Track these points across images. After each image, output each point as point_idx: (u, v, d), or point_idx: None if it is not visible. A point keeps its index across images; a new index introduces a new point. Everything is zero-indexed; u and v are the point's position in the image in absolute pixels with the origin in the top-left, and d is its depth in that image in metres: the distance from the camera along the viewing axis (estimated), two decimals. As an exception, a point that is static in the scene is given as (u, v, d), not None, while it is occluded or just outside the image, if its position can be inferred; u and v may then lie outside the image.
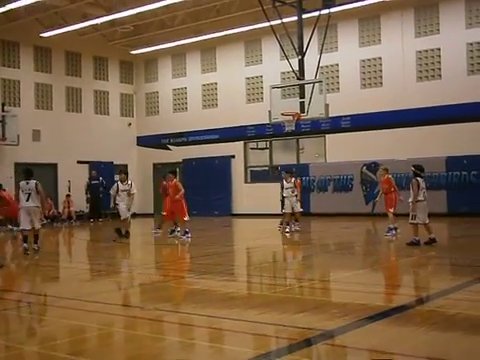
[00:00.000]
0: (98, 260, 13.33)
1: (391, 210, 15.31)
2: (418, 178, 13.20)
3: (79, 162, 27.62)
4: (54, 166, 27.06)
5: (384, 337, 5.78)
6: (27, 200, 13.35)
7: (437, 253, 12.47)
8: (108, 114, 29.79)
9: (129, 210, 17.04)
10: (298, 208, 17.44)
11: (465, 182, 21.16)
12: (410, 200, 13.08)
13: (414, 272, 10.57)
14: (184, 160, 28.77)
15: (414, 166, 13.62)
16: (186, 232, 16.12)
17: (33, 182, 13.48)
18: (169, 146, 29.67)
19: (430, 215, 13.40)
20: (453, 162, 21.41)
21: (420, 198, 12.93)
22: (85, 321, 6.90)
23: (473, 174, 21.21)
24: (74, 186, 26.78)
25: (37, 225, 13.59)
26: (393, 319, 6.39)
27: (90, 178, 26.66)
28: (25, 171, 13.90)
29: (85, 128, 28.13)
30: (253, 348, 5.66)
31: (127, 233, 16.77)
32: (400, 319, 6.44)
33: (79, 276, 10.86)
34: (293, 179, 17.50)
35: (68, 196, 26.12)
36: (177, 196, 16.40)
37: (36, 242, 13.60)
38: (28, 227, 13.41)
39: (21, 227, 13.72)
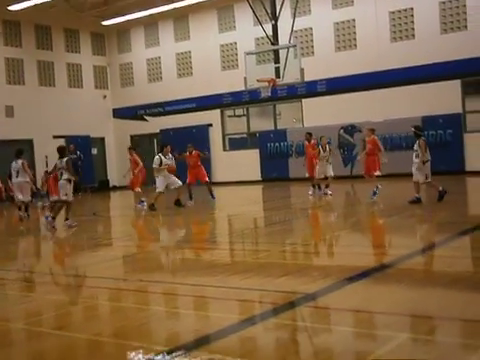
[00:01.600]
0: (80, 234, 13.31)
1: (376, 172, 15.36)
2: (423, 138, 13.57)
3: (55, 137, 27.33)
4: (29, 142, 26.76)
5: (365, 297, 5.89)
6: (16, 177, 15.56)
7: (416, 212, 12.64)
8: (82, 87, 29.44)
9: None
10: (330, 173, 17.23)
11: (441, 141, 21.35)
12: (417, 160, 13.28)
13: (394, 232, 10.72)
14: (161, 130, 28.61)
15: (415, 127, 14.08)
16: (141, 201, 17.12)
17: (20, 161, 15.52)
18: (146, 117, 29.44)
19: (409, 174, 13.68)
20: (429, 121, 21.54)
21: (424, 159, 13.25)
22: (68, 295, 6.93)
23: (449, 133, 21.40)
24: (52, 161, 26.52)
25: (27, 198, 15.83)
26: (373, 279, 6.50)
27: (68, 152, 26.41)
28: (15, 151, 15.87)
29: (59, 102, 27.78)
30: (237, 314, 5.74)
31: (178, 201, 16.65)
32: (380, 278, 6.55)
33: (60, 251, 10.85)
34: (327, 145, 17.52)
35: (46, 172, 25.89)
36: (135, 170, 17.56)
37: (26, 211, 15.96)
38: (20, 197, 15.62)
39: (15, 199, 15.99)
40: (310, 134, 18.28)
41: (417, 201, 13.11)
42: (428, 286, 6.10)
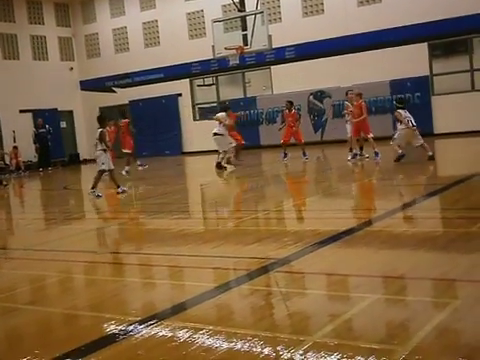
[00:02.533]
0: (50, 208, 13.22)
1: (370, 135, 15.43)
2: (400, 110, 14.02)
3: (22, 111, 26.91)
4: (-4, 117, 26.33)
5: (335, 260, 5.97)
6: None
7: (384, 175, 12.78)
8: (47, 59, 28.92)
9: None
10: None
11: (410, 104, 21.46)
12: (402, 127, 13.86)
13: (363, 195, 10.84)
14: (130, 101, 28.33)
15: (395, 100, 15.10)
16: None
17: None
18: (114, 88, 29.10)
19: (378, 139, 13.87)
20: (397, 85, 21.66)
21: (404, 127, 13.80)
22: (41, 270, 6.90)
23: (417, 96, 21.54)
24: (19, 136, 26.18)
25: None
26: (343, 242, 6.58)
27: (36, 127, 26.04)
28: None
29: (25, 76, 27.26)
30: (211, 281, 5.77)
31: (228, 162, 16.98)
32: (350, 241, 6.64)
33: (31, 226, 10.77)
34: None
35: (15, 148, 25.56)
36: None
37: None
38: None
39: None
40: (291, 103, 17.83)
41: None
42: (397, 247, 6.20)
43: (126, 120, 18.90)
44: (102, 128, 13.42)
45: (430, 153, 13.67)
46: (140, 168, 19.18)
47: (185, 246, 7.27)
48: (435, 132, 21.23)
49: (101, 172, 13.36)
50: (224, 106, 18.07)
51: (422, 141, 13.89)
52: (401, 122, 13.93)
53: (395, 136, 14.02)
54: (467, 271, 5.15)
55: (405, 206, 8.65)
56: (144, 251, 7.37)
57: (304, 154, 17.17)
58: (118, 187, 13.34)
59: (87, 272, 6.78)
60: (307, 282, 5.51)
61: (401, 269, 5.43)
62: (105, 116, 14.56)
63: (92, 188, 13.10)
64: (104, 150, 13.28)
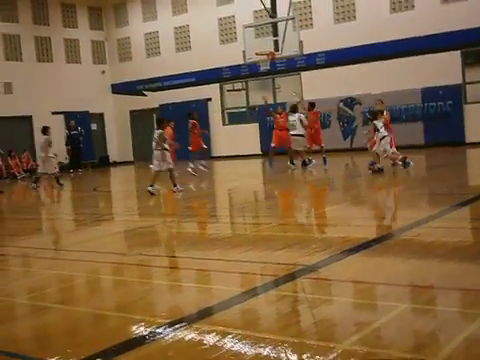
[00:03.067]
0: (80, 210, 13.37)
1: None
2: (375, 121, 14.24)
3: (54, 113, 27.27)
4: (29, 118, 26.72)
5: (364, 268, 5.94)
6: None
7: (415, 184, 12.68)
8: (80, 62, 29.29)
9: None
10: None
11: (441, 113, 21.29)
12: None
13: (393, 203, 10.76)
14: (161, 105, 28.54)
15: (369, 113, 15.71)
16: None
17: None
18: (144, 92, 29.35)
19: (408, 147, 13.82)
20: (429, 93, 21.48)
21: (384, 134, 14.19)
22: (71, 270, 6.99)
23: (449, 104, 21.33)
24: (51, 137, 26.47)
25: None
26: (372, 250, 6.54)
27: (69, 128, 26.35)
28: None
29: (58, 78, 27.66)
30: (238, 286, 5.79)
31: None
32: (379, 250, 6.59)
33: (62, 226, 10.91)
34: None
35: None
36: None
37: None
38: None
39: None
40: (313, 104, 17.89)
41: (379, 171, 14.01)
42: (427, 257, 6.15)
43: (193, 121, 19.28)
44: (161, 129, 13.79)
45: (380, 165, 14.06)
46: (202, 168, 19.36)
47: (213, 250, 7.30)
48: (467, 141, 20.99)
49: (165, 171, 13.80)
50: (295, 106, 17.55)
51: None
52: (378, 131, 14.16)
53: (381, 148, 14.06)
54: (498, 282, 5.09)
55: (435, 215, 8.56)
56: (172, 254, 7.41)
57: (325, 162, 17.08)
58: (175, 186, 13.66)
59: (116, 273, 6.84)
60: (335, 289, 5.49)
61: (431, 279, 5.39)
62: (163, 118, 14.92)
63: (150, 185, 13.57)
64: (164, 149, 13.67)
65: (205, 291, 5.75)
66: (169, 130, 17.34)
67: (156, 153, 13.75)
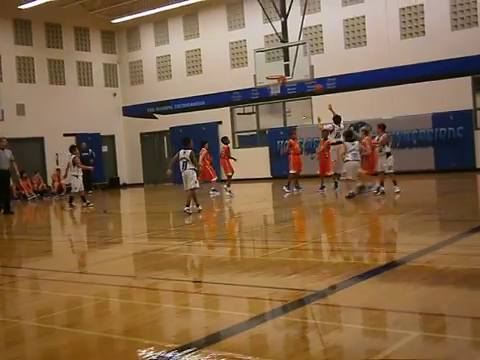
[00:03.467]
0: (90, 232, 13.38)
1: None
2: (346, 143, 15.08)
3: (66, 135, 27.46)
4: (40, 140, 26.93)
5: (374, 294, 5.89)
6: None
7: (426, 209, 12.62)
8: (92, 85, 29.55)
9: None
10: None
11: (452, 138, 21.26)
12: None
13: (403, 229, 10.70)
14: (171, 128, 28.69)
15: (344, 134, 15.98)
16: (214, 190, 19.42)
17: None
18: (155, 115, 29.53)
19: (419, 172, 13.76)
20: (439, 118, 21.48)
21: (348, 158, 14.90)
22: (80, 293, 6.97)
23: (459, 130, 21.30)
24: (63, 159, 26.63)
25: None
26: (383, 276, 6.50)
27: (80, 150, 26.42)
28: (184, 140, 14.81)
29: (70, 100, 27.90)
30: (247, 311, 5.75)
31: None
32: (390, 276, 6.55)
33: (71, 248, 10.91)
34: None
35: (58, 170, 26.04)
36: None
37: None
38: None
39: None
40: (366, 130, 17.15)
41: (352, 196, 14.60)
42: (438, 284, 6.09)
43: (226, 146, 20.06)
44: (189, 149, 14.18)
45: (351, 191, 14.62)
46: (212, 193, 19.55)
47: (223, 274, 7.27)
48: (478, 167, 20.92)
49: (193, 190, 14.12)
50: (349, 131, 16.49)
51: (356, 178, 14.81)
52: (346, 153, 14.89)
53: (344, 170, 14.85)
54: (511, 311, 5.03)
55: (446, 242, 8.50)
56: (182, 278, 7.38)
57: (336, 186, 17.16)
58: (197, 205, 14.19)
59: (125, 296, 6.82)
60: (345, 316, 5.44)
61: (442, 306, 5.33)
62: (190, 138, 14.91)
63: (187, 205, 14.02)
64: (194, 169, 14.21)
65: (214, 316, 5.72)
66: (204, 151, 18.91)
67: (188, 172, 14.11)
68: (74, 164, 18.16)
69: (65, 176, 20.23)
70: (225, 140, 20.21)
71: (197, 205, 14.21)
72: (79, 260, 9.54)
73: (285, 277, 6.81)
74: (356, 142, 15.24)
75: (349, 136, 15.40)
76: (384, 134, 15.47)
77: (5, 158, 17.04)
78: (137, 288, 7.02)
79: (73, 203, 18.36)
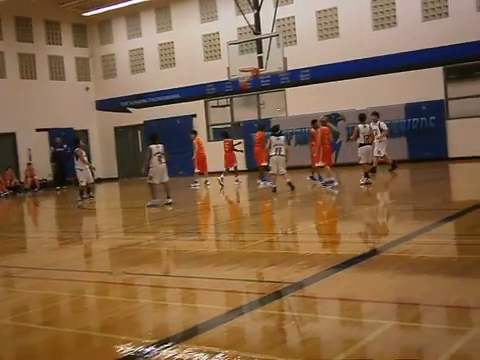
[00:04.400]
0: (65, 227, 13.27)
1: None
2: (272, 137, 15.46)
3: (38, 130, 27.16)
4: (12, 135, 26.58)
5: (350, 285, 5.94)
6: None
7: (399, 199, 12.74)
8: (64, 79, 29.21)
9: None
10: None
11: (424, 128, 21.45)
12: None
13: (378, 219, 10.79)
14: (145, 122, 28.52)
15: (272, 128, 16.26)
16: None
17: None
18: (129, 108, 29.34)
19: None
20: (412, 109, 21.66)
21: (271, 153, 15.31)
22: (55, 290, 6.91)
23: (432, 120, 21.50)
24: (35, 154, 26.39)
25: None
26: (358, 267, 6.55)
27: (54, 145, 26.12)
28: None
29: (41, 95, 27.56)
30: (224, 304, 5.76)
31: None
32: (365, 266, 6.60)
33: (45, 245, 10.81)
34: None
35: (29, 164, 25.75)
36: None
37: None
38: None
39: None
40: (315, 121, 17.10)
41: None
42: (413, 273, 6.16)
43: (229, 139, 20.25)
44: (161, 143, 14.68)
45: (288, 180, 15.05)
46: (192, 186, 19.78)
47: (199, 268, 7.27)
48: (450, 156, 21.15)
49: (166, 183, 14.71)
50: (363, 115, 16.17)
51: (285, 171, 15.32)
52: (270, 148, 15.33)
53: (269, 164, 15.40)
54: (484, 299, 5.11)
55: (420, 231, 8.60)
56: (158, 272, 7.36)
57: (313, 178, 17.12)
58: (168, 198, 14.55)
59: (101, 293, 6.78)
60: (322, 307, 5.48)
61: (417, 296, 5.40)
62: (157, 133, 15.80)
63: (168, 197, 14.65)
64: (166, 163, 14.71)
65: (191, 310, 5.72)
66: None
67: (164, 166, 14.59)
68: (77, 157, 17.92)
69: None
70: (226, 134, 20.66)
71: (168, 197, 14.48)
72: (54, 257, 9.45)
73: (262, 269, 6.83)
74: (282, 137, 15.58)
75: (276, 131, 15.77)
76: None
77: None
78: (113, 284, 6.99)
79: (84, 195, 18.07)
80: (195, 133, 20.94)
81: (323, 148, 15.66)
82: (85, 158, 18.15)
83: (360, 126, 15.38)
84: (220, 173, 19.31)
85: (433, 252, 7.08)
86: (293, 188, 15.06)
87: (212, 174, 25.69)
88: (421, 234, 8.38)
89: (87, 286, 7.07)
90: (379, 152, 17.44)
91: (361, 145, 15.39)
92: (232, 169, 20.04)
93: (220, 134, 20.92)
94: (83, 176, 17.88)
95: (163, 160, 14.57)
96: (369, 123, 16.03)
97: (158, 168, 14.51)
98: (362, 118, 15.67)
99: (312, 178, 17.14)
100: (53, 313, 6.01)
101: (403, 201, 12.46)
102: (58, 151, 25.61)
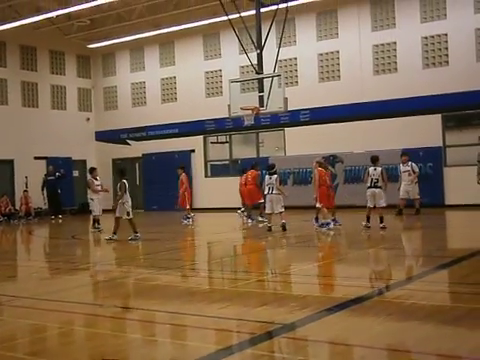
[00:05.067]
0: (57, 257, 13.19)
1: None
2: (266, 176, 15.79)
3: (36, 158, 27.19)
4: (10, 162, 26.59)
5: (342, 328, 5.89)
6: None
7: (395, 244, 12.71)
8: (65, 109, 29.38)
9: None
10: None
11: (422, 174, 21.51)
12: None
13: (372, 263, 10.76)
14: (144, 155, 28.61)
15: (266, 167, 16.47)
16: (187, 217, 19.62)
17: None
18: (128, 141, 29.44)
19: (389, 206, 13.91)
20: (410, 154, 21.72)
21: (265, 192, 15.78)
22: (44, 320, 6.84)
23: (429, 166, 21.60)
24: (32, 182, 26.33)
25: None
26: (351, 310, 6.50)
27: (47, 174, 26.09)
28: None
29: (42, 123, 27.70)
30: (215, 343, 5.70)
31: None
32: (358, 310, 6.56)
33: (37, 274, 10.73)
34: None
35: (25, 192, 25.70)
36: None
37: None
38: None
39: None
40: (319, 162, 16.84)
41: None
42: (405, 319, 6.11)
43: (256, 172, 19.63)
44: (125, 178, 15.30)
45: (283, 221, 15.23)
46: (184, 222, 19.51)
47: (191, 305, 7.21)
48: (446, 203, 21.20)
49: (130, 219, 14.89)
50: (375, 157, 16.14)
51: (282, 210, 15.44)
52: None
53: (265, 203, 15.64)
54: (475, 348, 5.06)
55: (414, 278, 8.57)
56: (149, 307, 7.30)
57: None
58: (136, 233, 14.65)
59: (91, 325, 6.71)
60: (312, 350, 5.43)
61: (408, 342, 5.35)
62: (125, 168, 16.54)
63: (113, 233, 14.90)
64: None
65: (181, 347, 5.66)
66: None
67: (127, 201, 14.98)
68: (88, 186, 17.90)
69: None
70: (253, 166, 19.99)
71: (136, 232, 14.68)
72: (44, 286, 9.37)
73: (253, 309, 6.78)
74: (274, 176, 15.59)
75: (271, 169, 15.90)
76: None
77: None
78: (103, 317, 6.92)
79: (96, 225, 17.79)
80: (183, 169, 20.82)
81: (319, 190, 15.73)
82: (97, 188, 17.74)
83: (371, 169, 15.33)
84: (240, 209, 19.11)
85: (426, 299, 7.05)
86: (284, 229, 15.11)
87: (210, 211, 25.69)
88: (415, 280, 8.35)
89: (76, 318, 7.00)
90: (407, 192, 18.31)
91: (368, 188, 15.28)
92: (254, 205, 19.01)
93: (243, 166, 20.53)
94: (94, 206, 17.77)
95: (127, 196, 15.03)
96: (381, 166, 15.79)
97: (130, 203, 14.95)
98: (374, 160, 15.53)
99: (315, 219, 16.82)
100: (41, 344, 5.94)
101: (398, 246, 12.44)
102: (49, 179, 25.48)
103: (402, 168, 18.74)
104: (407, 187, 18.52)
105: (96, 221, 17.85)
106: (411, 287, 7.82)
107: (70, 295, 8.26)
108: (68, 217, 26.37)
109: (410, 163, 18.69)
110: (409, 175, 18.40)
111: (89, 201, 18.08)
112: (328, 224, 15.33)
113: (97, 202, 17.76)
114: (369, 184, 15.19)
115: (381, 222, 14.59)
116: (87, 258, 13.41)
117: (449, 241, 13.82)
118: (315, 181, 15.98)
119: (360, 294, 7.39)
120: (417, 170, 18.83)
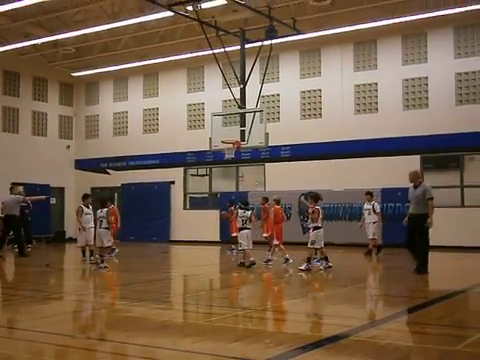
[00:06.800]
0: (30, 286, 12.96)
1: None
2: (240, 210, 15.54)
3: (13, 184, 26.85)
4: (-13, 187, 26.25)
5: (317, 368, 5.82)
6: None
7: (371, 284, 12.69)
8: (46, 136, 29.27)
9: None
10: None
11: (400, 214, 21.58)
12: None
13: (347, 302, 10.70)
14: (123, 185, 28.49)
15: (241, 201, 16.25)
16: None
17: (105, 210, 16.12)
18: (108, 170, 29.32)
19: (366, 245, 13.87)
20: (388, 194, 21.91)
21: (238, 225, 15.65)
22: (13, 350, 6.67)
23: (407, 206, 21.65)
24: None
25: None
26: (325, 349, 6.44)
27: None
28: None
29: (21, 149, 27.52)
30: (186, 378, 5.59)
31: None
32: (332, 349, 6.49)
33: (6, 303, 10.51)
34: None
35: (1, 218, 25.29)
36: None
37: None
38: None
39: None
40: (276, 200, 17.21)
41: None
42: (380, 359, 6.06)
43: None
44: (106, 208, 15.68)
45: (251, 259, 15.04)
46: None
47: (164, 338, 7.09)
48: (423, 244, 21.26)
49: (107, 248, 15.89)
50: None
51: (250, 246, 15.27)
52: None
53: (240, 240, 15.28)
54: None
55: (390, 317, 8.53)
56: (122, 340, 7.16)
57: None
58: (102, 262, 14.96)
59: (61, 357, 6.55)
60: (286, 388, 5.35)
61: (383, 384, 5.29)
62: (107, 198, 16.81)
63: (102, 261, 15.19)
64: (107, 228, 15.65)
65: (152, 382, 5.54)
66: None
67: (102, 231, 15.51)
68: (80, 215, 16.94)
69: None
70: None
71: (102, 261, 15.09)
72: (15, 315, 9.17)
73: (227, 344, 6.68)
74: (248, 212, 15.45)
75: (245, 205, 15.81)
76: (316, 206, 14.92)
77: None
78: (74, 348, 6.76)
79: (91, 258, 16.65)
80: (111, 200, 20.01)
81: (276, 227, 15.93)
82: (81, 218, 16.79)
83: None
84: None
85: (401, 339, 7.01)
86: (247, 267, 14.93)
87: (187, 243, 25.53)
88: (391, 320, 8.31)
89: (46, 348, 6.83)
90: (374, 234, 18.31)
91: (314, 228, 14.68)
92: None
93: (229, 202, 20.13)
94: (80, 236, 17.02)
95: (104, 225, 15.53)
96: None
97: (98, 232, 15.62)
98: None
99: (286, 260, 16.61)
100: (8, 374, 5.78)
101: (375, 286, 12.41)
102: (21, 206, 24.89)
103: (365, 206, 18.80)
104: (369, 225, 18.51)
105: (84, 252, 17.30)
106: (386, 327, 7.76)
107: (41, 325, 8.09)
108: (42, 245, 26.03)
109: (373, 202, 18.70)
110: (369, 214, 18.46)
111: (78, 232, 17.24)
112: (287, 260, 15.77)
113: (84, 233, 16.78)
114: (319, 225, 14.72)
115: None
116: (60, 287, 13.18)
117: (426, 282, 13.81)
118: (270, 219, 16.21)
119: (335, 333, 7.33)
120: (378, 210, 18.70)
